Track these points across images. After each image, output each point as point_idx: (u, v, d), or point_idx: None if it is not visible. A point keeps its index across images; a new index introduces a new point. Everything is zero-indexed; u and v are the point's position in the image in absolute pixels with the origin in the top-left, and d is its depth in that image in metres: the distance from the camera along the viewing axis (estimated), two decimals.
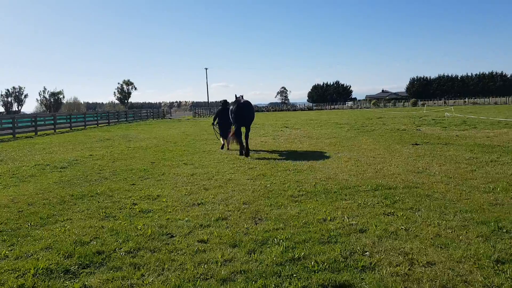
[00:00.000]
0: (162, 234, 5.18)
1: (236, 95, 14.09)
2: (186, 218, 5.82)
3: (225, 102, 15.01)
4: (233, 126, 13.33)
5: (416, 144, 13.41)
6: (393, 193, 6.88)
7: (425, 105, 67.78)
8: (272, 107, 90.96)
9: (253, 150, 13.53)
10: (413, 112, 43.75)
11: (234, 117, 12.91)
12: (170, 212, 6.24)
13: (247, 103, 13.16)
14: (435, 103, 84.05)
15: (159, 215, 6.08)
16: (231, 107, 13.36)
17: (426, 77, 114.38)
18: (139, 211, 6.30)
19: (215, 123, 14.96)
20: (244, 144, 12.55)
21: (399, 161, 10.16)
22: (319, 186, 7.63)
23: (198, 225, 5.51)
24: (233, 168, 10.15)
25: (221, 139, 14.64)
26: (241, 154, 12.50)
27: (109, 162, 11.78)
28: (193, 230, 5.31)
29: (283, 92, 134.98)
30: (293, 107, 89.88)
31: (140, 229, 5.38)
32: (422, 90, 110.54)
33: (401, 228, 5.08)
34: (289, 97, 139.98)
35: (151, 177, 9.27)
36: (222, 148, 14.28)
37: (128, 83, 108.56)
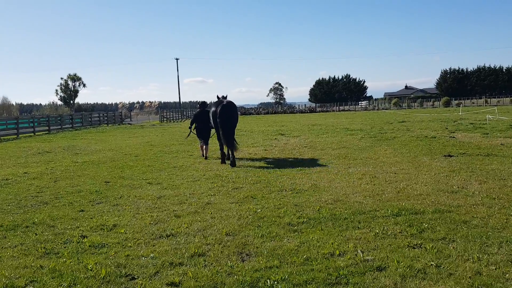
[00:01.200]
0: (120, 276, 5.15)
1: (218, 96, 15.38)
2: (152, 255, 5.80)
3: (203, 103, 16.65)
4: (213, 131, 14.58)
5: (450, 156, 13.59)
6: (420, 219, 6.94)
7: (461, 105, 68.77)
8: (264, 109, 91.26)
9: (239, 165, 13.56)
10: (445, 114, 44.32)
11: (220, 121, 14.16)
12: (130, 246, 6.20)
13: (231, 103, 14.67)
14: (473, 103, 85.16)
15: (116, 250, 6.04)
16: (212, 109, 14.80)
17: (462, 70, 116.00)
18: (89, 246, 6.25)
19: (192, 127, 16.37)
20: (230, 151, 13.88)
21: (428, 178, 10.27)
22: (325, 211, 7.67)
23: (167, 263, 5.49)
24: (213, 188, 10.15)
25: (199, 147, 16.26)
26: (223, 162, 14.15)
27: (49, 182, 11.69)
28: (160, 270, 5.29)
29: (277, 89, 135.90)
30: (291, 109, 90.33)
31: (91, 270, 5.34)
32: (457, 85, 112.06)
33: (431, 264, 5.13)
34: (286, 95, 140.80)
35: (105, 201, 9.22)
36: (205, 158, 15.58)
37: (75, 78, 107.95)
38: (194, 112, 17.26)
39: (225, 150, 14.51)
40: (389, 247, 5.74)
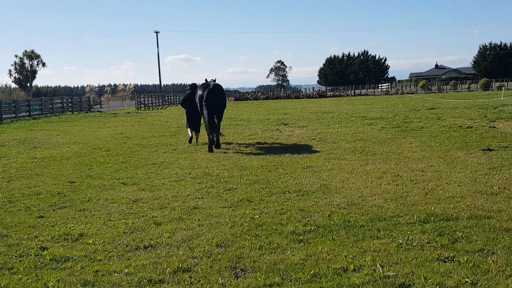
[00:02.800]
0: None
1: (206, 79, 17.63)
2: (126, 270, 5.79)
3: (193, 85, 18.88)
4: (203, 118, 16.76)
5: (489, 150, 13.60)
6: (452, 226, 6.95)
7: (503, 88, 68.64)
8: (263, 93, 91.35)
9: (232, 162, 13.55)
10: (484, 99, 44.32)
11: (206, 105, 16.12)
12: (100, 260, 6.19)
13: (218, 86, 16.85)
14: None
15: (82, 265, 6.03)
16: (199, 92, 16.88)
17: (505, 45, 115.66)
18: (50, 260, 6.24)
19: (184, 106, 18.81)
20: (215, 138, 15.99)
21: (462, 177, 10.28)
22: (337, 217, 7.67)
23: (145, 280, 5.49)
24: (200, 189, 10.15)
25: (188, 130, 18.57)
26: (210, 150, 15.82)
27: (2, 182, 11.68)
28: None
29: (279, 69, 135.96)
30: (296, 93, 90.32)
31: None
32: (499, 64, 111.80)
33: (465, 281, 5.13)
34: (289, 77, 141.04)
35: (69, 205, 9.20)
36: (190, 141, 18.04)
37: (32, 55, 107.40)
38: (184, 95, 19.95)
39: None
40: (415, 261, 5.74)
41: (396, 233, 6.79)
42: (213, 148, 15.93)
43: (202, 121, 17.74)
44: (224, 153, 15.52)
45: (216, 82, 17.18)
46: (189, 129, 18.50)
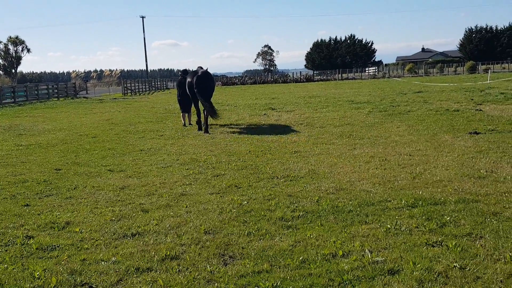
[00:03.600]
0: (74, 285, 5.11)
1: (201, 67, 19.53)
2: (114, 258, 5.76)
3: (184, 71, 20.54)
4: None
5: (476, 133, 13.66)
6: (440, 211, 6.97)
7: (489, 71, 69.00)
8: (250, 78, 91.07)
9: (220, 147, 13.51)
10: (470, 82, 44.54)
11: (197, 91, 17.79)
12: (87, 248, 6.16)
13: (207, 73, 18.53)
14: (504, 68, 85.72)
15: (69, 254, 5.99)
16: (188, 79, 18.65)
17: (491, 28, 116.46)
18: (36, 249, 6.20)
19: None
20: (204, 119, 17.65)
21: (450, 161, 10.32)
22: (325, 202, 7.67)
23: (133, 268, 5.46)
24: (188, 176, 10.11)
25: (184, 116, 20.23)
26: (199, 129, 17.76)
27: None
28: (124, 278, 5.26)
29: (266, 53, 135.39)
30: (283, 77, 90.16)
31: (38, 278, 5.30)
32: (485, 47, 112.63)
33: (454, 266, 5.15)
34: (277, 61, 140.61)
35: (56, 193, 9.14)
36: (184, 125, 19.71)
37: (17, 41, 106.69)
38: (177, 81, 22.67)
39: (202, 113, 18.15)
40: (403, 246, 5.75)
41: (385, 218, 6.80)
42: (202, 128, 17.67)
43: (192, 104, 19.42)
44: (212, 139, 15.49)
45: (206, 69, 18.78)
46: (181, 116, 20.37)
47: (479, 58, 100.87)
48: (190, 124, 19.79)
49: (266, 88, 58.83)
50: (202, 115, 18.00)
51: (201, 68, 19.18)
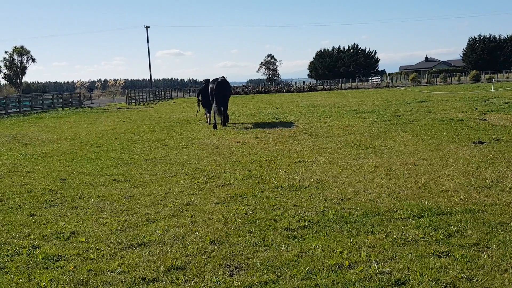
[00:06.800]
0: None
1: (223, 76, 24.08)
2: (120, 269, 5.75)
3: (207, 80, 24.39)
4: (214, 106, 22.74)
5: (481, 143, 13.64)
6: (446, 221, 6.94)
7: (493, 81, 68.92)
8: (254, 87, 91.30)
9: (225, 157, 13.50)
10: (474, 91, 44.53)
11: (215, 94, 22.30)
12: (93, 259, 6.14)
13: (225, 81, 23.42)
14: (508, 77, 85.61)
15: (75, 264, 5.98)
16: (210, 85, 22.99)
17: (494, 37, 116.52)
18: (42, 259, 6.18)
19: (200, 99, 25.45)
20: (222, 119, 22.64)
21: (455, 170, 10.29)
22: (331, 212, 7.65)
23: (139, 279, 5.45)
24: (193, 185, 10.10)
25: (207, 115, 24.81)
26: (214, 128, 21.49)
27: None
28: None
29: (270, 63, 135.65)
30: (287, 87, 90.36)
31: None
32: (488, 56, 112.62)
33: (461, 277, 5.12)
34: (280, 70, 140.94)
35: (61, 202, 9.13)
36: (209, 123, 23.94)
37: (22, 51, 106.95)
38: (199, 88, 27.08)
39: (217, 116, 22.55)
40: (410, 256, 5.73)
41: (391, 228, 6.78)
42: (217, 126, 21.77)
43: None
44: (216, 148, 15.49)
45: (224, 78, 23.57)
46: (205, 114, 25.29)
47: (483, 67, 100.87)
48: (209, 123, 23.49)
49: (269, 98, 58.95)
50: (219, 117, 22.65)
51: (223, 77, 23.56)
